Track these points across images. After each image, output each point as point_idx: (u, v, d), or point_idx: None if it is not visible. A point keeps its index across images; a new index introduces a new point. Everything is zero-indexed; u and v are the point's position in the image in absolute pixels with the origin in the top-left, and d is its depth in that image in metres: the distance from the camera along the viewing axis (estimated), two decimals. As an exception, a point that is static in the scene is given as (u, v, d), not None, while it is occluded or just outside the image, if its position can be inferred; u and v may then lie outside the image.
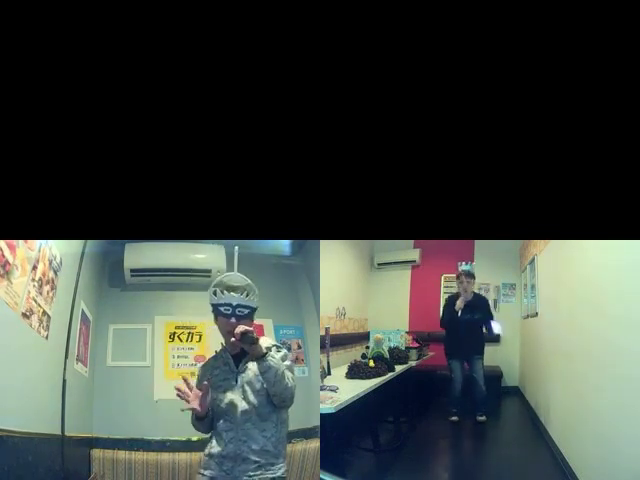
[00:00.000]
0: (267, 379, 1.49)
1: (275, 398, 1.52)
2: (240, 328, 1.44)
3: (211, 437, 1.58)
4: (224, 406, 1.53)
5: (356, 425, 2.61)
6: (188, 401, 1.48)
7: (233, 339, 1.45)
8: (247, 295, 1.55)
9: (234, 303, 1.52)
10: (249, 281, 1.59)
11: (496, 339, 4.40)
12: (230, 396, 1.53)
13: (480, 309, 3.50)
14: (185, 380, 1.50)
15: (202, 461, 1.58)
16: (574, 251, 2.40)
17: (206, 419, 1.54)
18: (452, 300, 3.56)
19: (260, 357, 1.47)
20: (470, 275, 3.51)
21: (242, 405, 1.52)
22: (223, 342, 1.62)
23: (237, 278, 1.59)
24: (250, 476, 1.48)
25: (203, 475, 1.54)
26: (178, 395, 1.48)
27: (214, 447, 1.53)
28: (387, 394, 2.88)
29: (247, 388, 1.53)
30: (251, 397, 1.52)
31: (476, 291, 3.67)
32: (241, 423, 1.51)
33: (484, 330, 3.59)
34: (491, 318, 3.58)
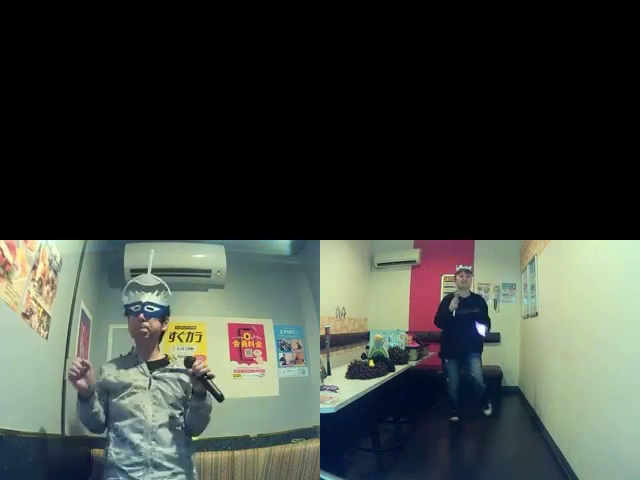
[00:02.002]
0: (200, 415, 1.52)
1: (193, 430, 1.55)
2: (201, 366, 1.46)
3: (110, 443, 1.49)
4: (131, 407, 1.49)
5: (356, 425, 2.61)
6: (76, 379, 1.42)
7: (191, 370, 1.46)
8: (157, 294, 1.57)
9: (143, 301, 1.55)
10: (161, 281, 1.61)
11: (495, 339, 4.41)
12: (140, 398, 1.51)
13: (477, 308, 3.46)
14: (84, 363, 1.45)
15: (105, 476, 1.48)
16: (574, 251, 2.40)
17: (89, 403, 1.47)
18: (448, 299, 3.54)
19: (200, 393, 1.49)
20: (468, 271, 3.49)
21: (153, 409, 1.50)
22: (134, 345, 1.62)
23: (148, 278, 1.62)
24: None
25: None
26: (71, 371, 1.42)
27: (120, 453, 1.45)
28: (387, 394, 2.88)
29: (159, 395, 1.52)
30: (164, 404, 1.52)
31: (475, 292, 3.66)
32: (151, 426, 1.47)
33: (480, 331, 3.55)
34: (487, 324, 3.51)
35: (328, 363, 2.82)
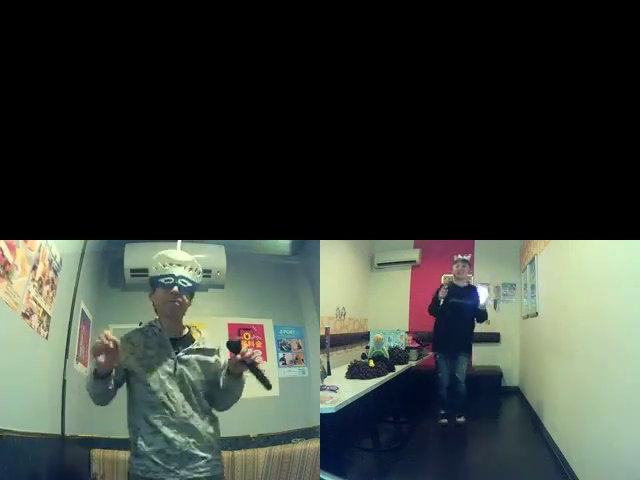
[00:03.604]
0: (233, 394, 1.50)
1: (222, 406, 1.52)
2: (253, 354, 1.41)
3: (140, 432, 1.42)
4: (158, 397, 1.42)
5: (356, 425, 2.61)
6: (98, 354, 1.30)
7: (239, 357, 1.40)
8: (190, 269, 1.50)
9: (176, 274, 1.47)
10: (193, 258, 1.54)
11: (495, 339, 4.41)
12: (167, 386, 1.43)
13: (470, 299, 3.40)
14: (114, 342, 1.32)
15: (133, 464, 1.43)
16: (574, 251, 2.40)
17: (106, 379, 1.37)
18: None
19: (238, 374, 1.46)
20: (465, 261, 3.44)
21: (182, 398, 1.43)
22: (157, 317, 1.52)
23: (181, 253, 1.54)
24: (201, 472, 1.42)
25: (146, 478, 1.39)
26: (97, 342, 1.29)
27: (153, 445, 1.39)
28: (387, 394, 2.88)
29: (188, 379, 1.45)
30: (191, 391, 1.45)
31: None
32: (183, 418, 1.42)
33: (475, 321, 3.49)
34: (481, 315, 3.46)
35: (328, 363, 2.82)
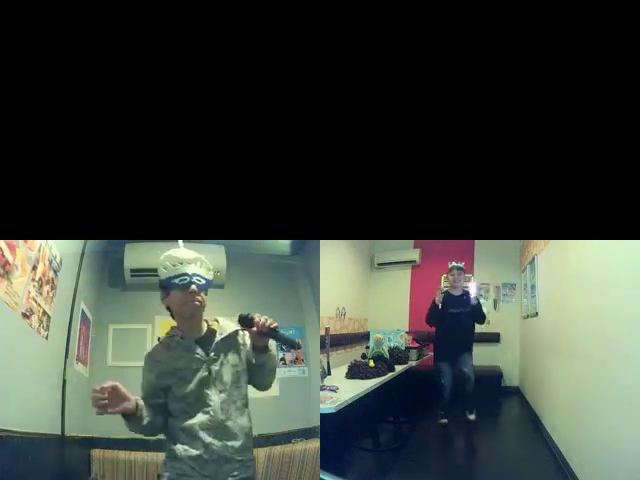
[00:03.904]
0: (267, 369, 1.44)
1: (263, 385, 1.48)
2: (267, 321, 1.34)
3: (179, 436, 1.38)
4: (197, 404, 1.37)
5: (356, 425, 2.61)
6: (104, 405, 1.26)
7: (255, 329, 1.33)
8: (200, 266, 1.42)
9: (190, 272, 1.38)
10: (198, 254, 1.46)
11: (495, 339, 4.40)
12: (203, 390, 1.38)
13: (468, 307, 3.39)
14: (115, 387, 1.27)
15: (168, 466, 1.39)
16: (574, 251, 2.40)
17: (137, 416, 1.33)
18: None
19: (263, 347, 1.40)
20: (460, 269, 3.44)
21: (220, 400, 1.38)
22: (176, 326, 1.44)
23: (188, 251, 1.45)
24: (235, 476, 1.38)
25: None
26: (95, 398, 1.25)
27: (190, 450, 1.36)
28: (387, 394, 2.88)
29: (223, 379, 1.40)
30: (228, 390, 1.40)
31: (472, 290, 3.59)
32: (221, 421, 1.37)
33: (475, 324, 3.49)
34: (480, 318, 3.46)
35: (328, 363, 2.82)
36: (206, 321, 1.48)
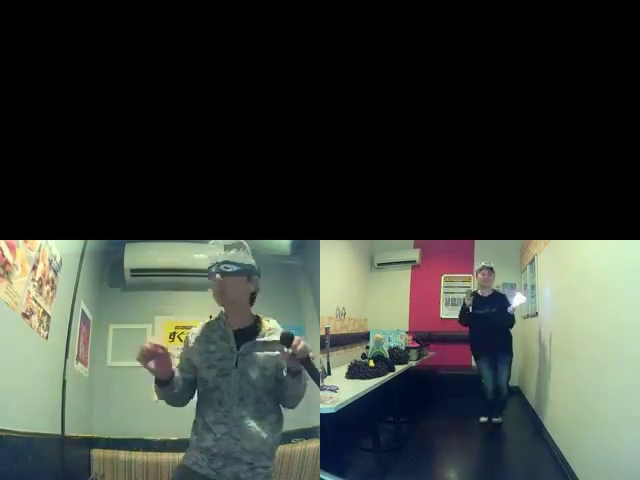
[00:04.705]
0: (296, 392, 1.38)
1: (288, 403, 1.42)
2: (305, 347, 1.27)
3: (197, 426, 1.40)
4: (217, 393, 1.36)
5: (356, 425, 2.61)
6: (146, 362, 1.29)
7: (290, 351, 1.27)
8: (231, 250, 1.41)
9: (219, 260, 1.39)
10: (240, 240, 1.45)
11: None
12: (226, 383, 1.36)
13: (495, 308, 3.33)
14: (161, 347, 1.30)
15: (187, 453, 1.41)
16: (574, 251, 2.40)
17: (169, 385, 1.35)
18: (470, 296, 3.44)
19: (295, 371, 1.33)
20: (489, 269, 3.38)
21: (239, 396, 1.36)
22: (223, 310, 1.45)
23: (228, 241, 1.46)
24: (241, 478, 1.35)
25: (191, 470, 1.37)
26: (145, 351, 1.28)
27: (203, 441, 1.36)
28: (387, 394, 2.88)
29: (248, 377, 1.36)
30: (251, 390, 1.37)
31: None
32: (236, 419, 1.35)
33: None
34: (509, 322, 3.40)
35: (328, 363, 2.83)
36: (258, 317, 1.47)
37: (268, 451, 1.39)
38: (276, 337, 1.36)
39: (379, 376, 2.75)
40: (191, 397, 1.44)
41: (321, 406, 1.95)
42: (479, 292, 3.40)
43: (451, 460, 2.95)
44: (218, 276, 1.38)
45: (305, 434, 2.70)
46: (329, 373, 2.77)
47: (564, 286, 2.70)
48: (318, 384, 1.33)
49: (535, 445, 2.91)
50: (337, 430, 2.09)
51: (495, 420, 3.34)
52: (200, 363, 1.40)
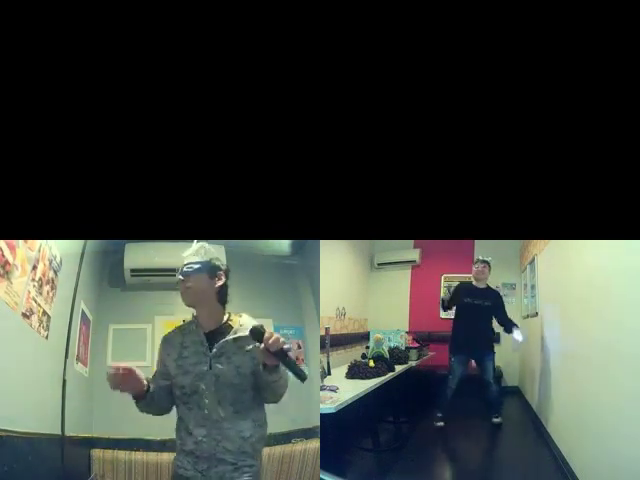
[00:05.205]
0: (275, 388, 1.35)
1: (269, 399, 1.41)
2: (278, 340, 1.25)
3: (179, 430, 1.41)
4: (194, 397, 1.36)
5: (356, 425, 2.61)
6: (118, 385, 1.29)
7: (262, 346, 1.25)
8: (196, 254, 1.42)
9: (184, 262, 1.41)
10: (203, 244, 1.46)
11: (495, 339, 4.39)
12: (201, 386, 1.36)
13: (488, 301, 3.31)
14: (131, 371, 1.30)
15: (175, 458, 1.42)
16: (574, 251, 2.40)
17: (146, 399, 1.36)
18: (460, 286, 3.47)
19: (272, 366, 1.30)
20: (485, 262, 3.36)
21: (217, 399, 1.35)
22: (194, 312, 1.44)
23: (192, 247, 1.47)
24: (227, 479, 1.35)
25: (179, 475, 1.38)
26: (111, 376, 1.28)
27: (185, 444, 1.37)
28: (387, 394, 2.88)
29: (223, 378, 1.35)
30: (227, 390, 1.36)
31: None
32: (215, 421, 1.35)
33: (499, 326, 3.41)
34: (503, 320, 3.37)
35: (328, 363, 2.82)
36: (228, 314, 1.45)
37: (251, 450, 1.39)
38: (247, 331, 1.34)
39: (379, 376, 2.75)
40: (172, 404, 1.44)
41: (321, 406, 1.95)
42: (474, 283, 3.38)
43: (451, 460, 2.95)
44: (180, 277, 1.39)
45: (305, 434, 2.70)
46: (329, 373, 2.77)
47: (564, 286, 2.70)
48: (297, 375, 1.26)
49: (535, 445, 2.90)
50: (337, 430, 2.09)
51: (495, 420, 3.32)
52: (175, 370, 1.39)
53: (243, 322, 1.43)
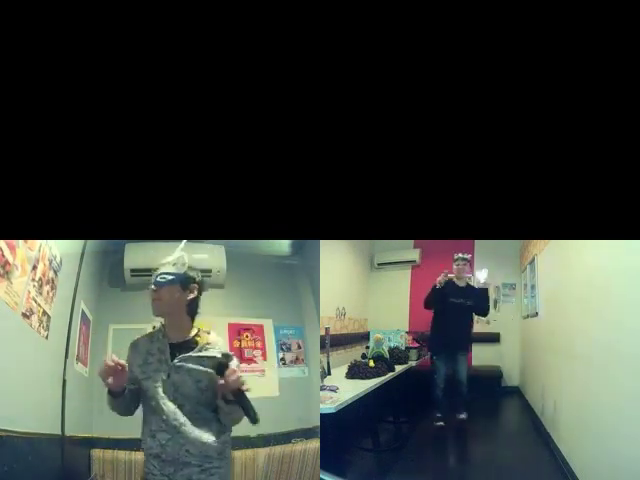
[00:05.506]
0: (230, 418, 1.40)
1: (223, 422, 1.42)
2: (238, 379, 1.29)
3: (144, 435, 1.43)
4: (153, 404, 1.39)
5: (356, 425, 2.61)
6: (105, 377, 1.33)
7: (221, 381, 1.29)
8: (173, 265, 1.44)
9: (158, 272, 1.43)
10: (183, 254, 1.47)
11: (495, 339, 4.40)
12: (160, 394, 1.39)
13: (470, 300, 3.29)
14: (120, 364, 1.35)
15: (144, 463, 1.44)
16: (574, 251, 2.40)
17: (121, 398, 1.39)
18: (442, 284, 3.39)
19: (232, 400, 1.33)
20: (465, 260, 3.35)
21: (174, 407, 1.38)
22: (163, 322, 1.46)
23: (172, 255, 1.48)
24: None
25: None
26: (105, 367, 1.32)
27: (151, 449, 1.39)
28: (387, 394, 2.88)
29: (181, 389, 1.39)
30: (185, 402, 1.39)
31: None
32: (175, 426, 1.37)
33: (475, 317, 3.42)
34: (482, 311, 3.38)
35: (328, 363, 2.82)
36: (198, 329, 1.47)
37: (215, 453, 1.41)
38: (213, 352, 1.40)
39: (379, 376, 2.75)
40: (136, 407, 1.47)
41: (321, 406, 1.95)
42: (455, 281, 3.33)
43: (450, 460, 2.95)
44: (152, 287, 1.41)
45: (305, 434, 2.70)
46: (329, 373, 2.77)
47: (564, 286, 2.70)
48: (250, 417, 1.32)
49: (535, 445, 2.90)
50: (337, 430, 2.09)
51: (461, 417, 3.30)
52: (140, 374, 1.43)
53: (210, 340, 1.45)
